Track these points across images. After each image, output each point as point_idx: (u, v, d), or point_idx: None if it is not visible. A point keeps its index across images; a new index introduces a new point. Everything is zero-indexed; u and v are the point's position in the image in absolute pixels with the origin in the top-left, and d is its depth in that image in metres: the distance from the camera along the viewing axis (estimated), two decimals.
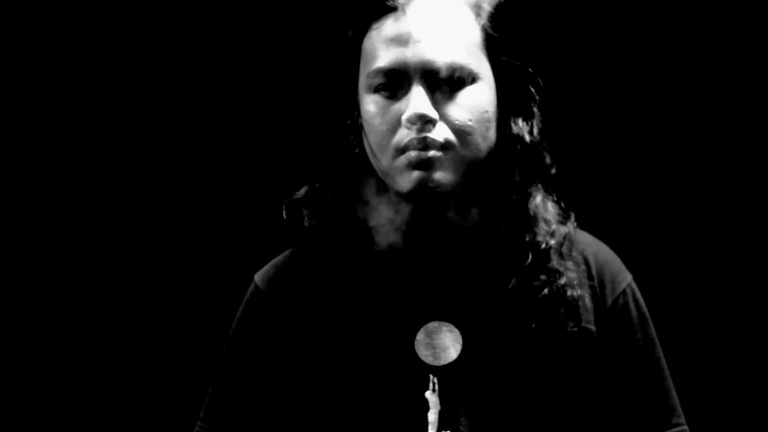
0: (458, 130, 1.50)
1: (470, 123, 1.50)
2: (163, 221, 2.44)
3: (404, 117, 1.48)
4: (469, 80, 1.51)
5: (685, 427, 1.61)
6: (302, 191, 1.62)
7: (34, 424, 2.43)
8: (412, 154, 1.49)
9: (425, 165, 1.49)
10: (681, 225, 2.33)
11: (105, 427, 2.42)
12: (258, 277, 1.65)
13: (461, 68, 1.50)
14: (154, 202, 2.43)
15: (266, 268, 1.66)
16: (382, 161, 1.53)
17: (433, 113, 1.48)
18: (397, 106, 1.51)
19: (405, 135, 1.49)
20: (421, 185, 1.49)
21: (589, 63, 2.30)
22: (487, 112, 1.53)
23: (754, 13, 2.28)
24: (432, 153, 1.48)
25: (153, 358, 2.42)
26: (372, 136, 1.53)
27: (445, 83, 1.50)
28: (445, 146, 1.49)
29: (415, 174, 1.49)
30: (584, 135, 2.26)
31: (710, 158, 2.33)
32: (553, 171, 1.61)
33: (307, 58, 2.20)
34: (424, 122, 1.48)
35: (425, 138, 1.48)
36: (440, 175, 1.49)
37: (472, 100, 1.51)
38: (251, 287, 1.65)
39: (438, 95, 1.50)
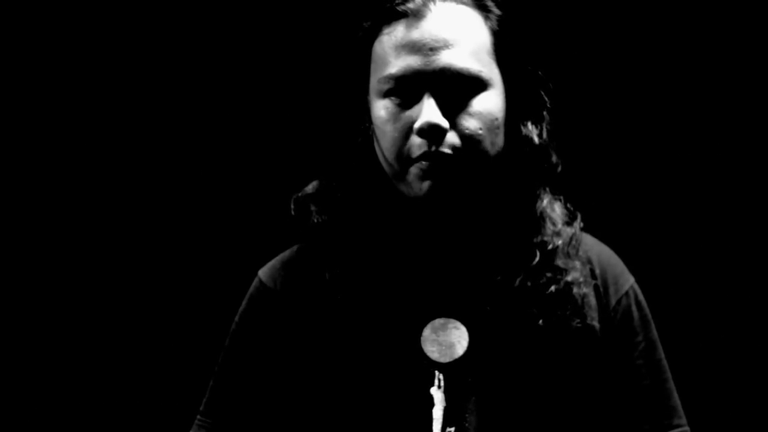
0: (468, 139, 1.50)
1: (480, 132, 1.51)
2: (168, 218, 2.44)
3: (416, 126, 1.49)
4: (480, 88, 1.51)
5: (687, 428, 1.62)
6: (311, 187, 1.62)
7: (37, 417, 2.44)
8: (424, 165, 1.49)
9: (436, 174, 1.49)
10: (684, 228, 2.34)
11: (109, 422, 2.43)
12: (262, 272, 1.65)
13: (472, 77, 1.51)
14: (162, 198, 2.43)
15: (271, 263, 1.66)
16: (394, 166, 1.53)
17: (444, 123, 1.48)
18: (409, 113, 1.51)
19: (416, 144, 1.50)
20: (432, 194, 1.50)
21: (597, 66, 2.31)
22: (497, 119, 1.53)
23: (755, 13, 2.29)
24: (442, 163, 1.49)
25: (156, 353, 2.43)
26: (383, 142, 1.54)
27: (456, 91, 1.50)
28: (455, 154, 1.49)
29: (426, 183, 1.50)
30: (591, 137, 2.27)
31: (714, 162, 2.33)
32: (560, 171, 1.61)
33: (318, 58, 2.21)
34: (436, 131, 1.48)
35: (437, 148, 1.48)
36: (451, 184, 1.50)
37: (482, 107, 1.51)
38: (255, 282, 1.65)
39: (449, 103, 1.50)
